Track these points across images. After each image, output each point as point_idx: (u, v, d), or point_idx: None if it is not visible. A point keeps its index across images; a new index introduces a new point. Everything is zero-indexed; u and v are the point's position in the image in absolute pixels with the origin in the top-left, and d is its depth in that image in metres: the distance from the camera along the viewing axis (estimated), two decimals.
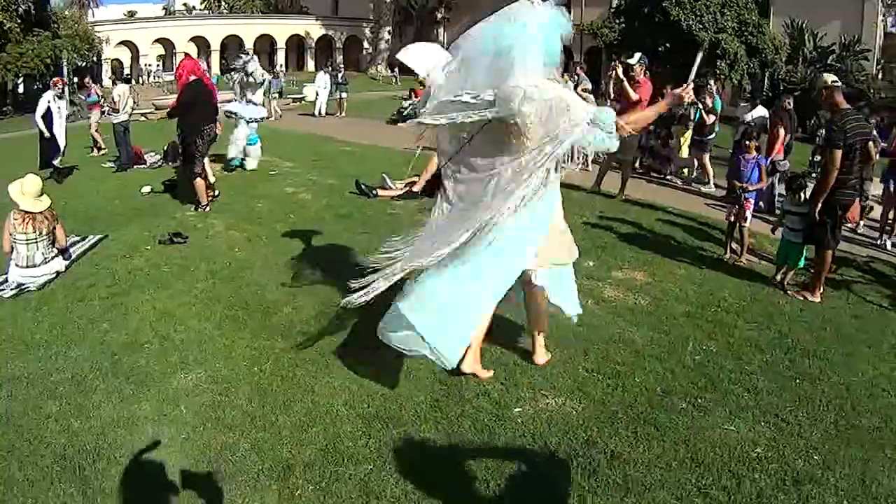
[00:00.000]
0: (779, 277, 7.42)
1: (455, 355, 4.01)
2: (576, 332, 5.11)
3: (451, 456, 3.60)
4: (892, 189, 10.02)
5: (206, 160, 8.97)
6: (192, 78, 8.82)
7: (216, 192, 8.74)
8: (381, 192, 9.48)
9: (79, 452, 3.44)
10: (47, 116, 11.86)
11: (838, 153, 6.72)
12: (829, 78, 7.39)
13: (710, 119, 11.77)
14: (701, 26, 28.91)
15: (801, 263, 7.50)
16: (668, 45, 28.17)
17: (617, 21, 34.57)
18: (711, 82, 14.25)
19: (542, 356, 4.79)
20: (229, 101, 11.79)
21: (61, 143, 11.85)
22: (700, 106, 11.80)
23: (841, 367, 5.37)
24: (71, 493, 3.19)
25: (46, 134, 11.75)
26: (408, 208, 8.84)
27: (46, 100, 12.05)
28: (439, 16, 58.60)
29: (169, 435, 3.50)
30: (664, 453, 3.87)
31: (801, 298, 6.89)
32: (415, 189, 9.51)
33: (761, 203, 9.33)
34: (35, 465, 3.40)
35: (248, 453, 3.38)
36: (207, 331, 4.73)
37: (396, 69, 48.97)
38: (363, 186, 9.52)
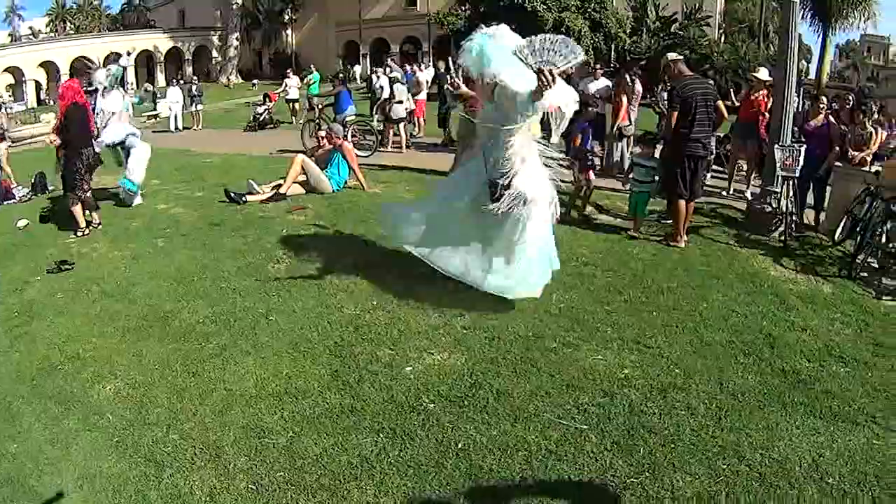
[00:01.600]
0: (633, 230, 8.16)
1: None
2: (451, 296, 5.52)
3: (356, 414, 3.92)
4: (744, 144, 10.98)
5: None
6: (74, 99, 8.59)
7: (98, 221, 8.60)
8: (249, 198, 9.54)
9: (23, 473, 3.53)
10: None
11: (675, 113, 7.49)
12: (671, 55, 8.30)
13: None
14: (545, 6, 29.10)
15: (646, 212, 8.27)
16: (514, 27, 28.66)
17: (462, 8, 34.27)
18: None
19: None
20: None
21: None
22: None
23: (693, 297, 6.02)
24: None
25: None
26: (278, 209, 9.00)
27: None
28: (286, 17, 57.54)
29: (102, 441, 3.65)
30: (543, 384, 4.33)
31: (668, 246, 7.59)
32: (281, 191, 9.70)
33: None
34: None
35: (179, 443, 3.59)
36: (114, 345, 4.83)
37: (255, 80, 47.95)
38: (232, 194, 9.51)
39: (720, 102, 7.86)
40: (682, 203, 7.61)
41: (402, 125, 15.69)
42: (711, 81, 8.80)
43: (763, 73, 10.51)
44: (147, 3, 70.54)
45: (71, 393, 4.16)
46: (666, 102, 9.14)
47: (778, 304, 6.04)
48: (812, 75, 35.93)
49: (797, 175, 8.38)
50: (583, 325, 5.30)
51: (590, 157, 8.93)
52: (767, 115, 9.68)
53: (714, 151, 12.19)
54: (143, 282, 6.19)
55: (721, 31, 39.78)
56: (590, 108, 9.55)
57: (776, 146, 8.49)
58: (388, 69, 19.17)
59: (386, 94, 16.34)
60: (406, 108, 16.54)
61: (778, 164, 8.42)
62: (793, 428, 4.02)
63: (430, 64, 29.40)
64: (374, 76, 16.94)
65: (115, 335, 5.02)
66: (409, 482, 3.30)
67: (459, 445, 3.63)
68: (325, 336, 4.98)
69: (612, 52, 31.49)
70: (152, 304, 5.62)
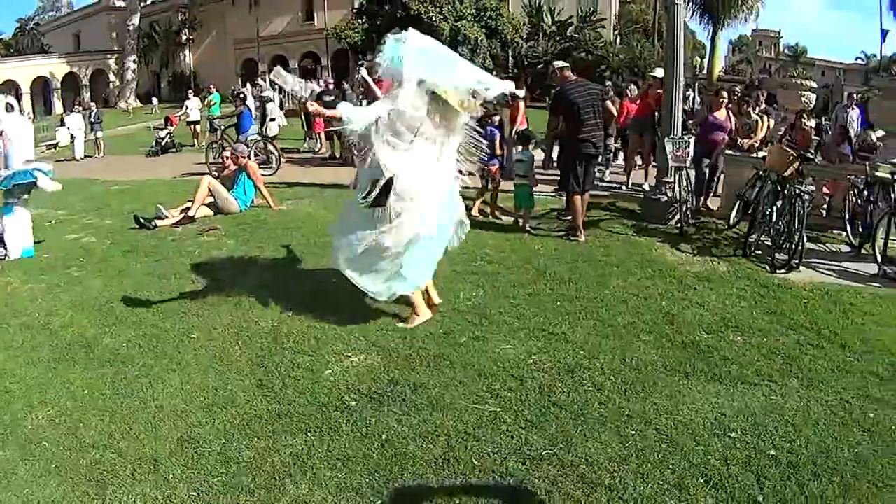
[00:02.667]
0: (520, 223, 8.56)
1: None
2: (363, 301, 5.72)
3: (284, 418, 4.09)
4: (641, 137, 11.51)
5: None
6: None
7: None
8: (159, 223, 9.51)
9: None
10: None
11: (553, 117, 8.01)
12: (557, 63, 8.83)
13: None
14: (441, 16, 29.37)
15: (532, 203, 8.70)
16: None
17: (360, 21, 34.39)
18: None
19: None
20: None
21: None
22: None
23: (594, 286, 6.39)
24: None
25: None
26: (189, 231, 9.07)
27: None
28: (184, 37, 56.05)
29: (41, 467, 3.68)
30: (456, 375, 4.58)
31: (569, 240, 8.00)
32: (190, 214, 9.69)
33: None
34: None
35: (117, 460, 3.67)
36: (41, 375, 4.82)
37: (154, 99, 46.47)
38: (142, 220, 9.45)
39: (608, 103, 8.40)
40: (578, 198, 8.06)
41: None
42: (599, 85, 9.31)
43: (659, 72, 11.01)
44: (41, 28, 67.72)
45: (4, 425, 4.15)
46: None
47: (676, 285, 6.53)
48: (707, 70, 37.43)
49: (688, 165, 8.90)
50: (490, 320, 5.59)
51: (496, 158, 9.34)
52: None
53: (612, 149, 12.88)
54: (62, 312, 6.14)
55: (616, 32, 40.93)
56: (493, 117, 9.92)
57: (667, 139, 8.95)
58: (258, 88, 19.15)
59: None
60: (278, 125, 16.71)
61: (669, 156, 8.86)
62: (695, 393, 4.35)
63: (326, 79, 29.35)
64: (240, 96, 16.80)
65: (41, 365, 5.00)
66: (340, 474, 3.49)
67: (383, 437, 3.84)
68: (246, 349, 5.12)
69: (510, 58, 32.06)
70: (74, 333, 5.61)
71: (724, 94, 10.66)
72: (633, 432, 3.89)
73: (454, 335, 5.28)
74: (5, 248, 8.26)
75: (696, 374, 4.64)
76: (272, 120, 16.33)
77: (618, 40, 38.94)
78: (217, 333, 5.45)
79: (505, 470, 3.55)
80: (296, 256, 7.60)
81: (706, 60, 39.20)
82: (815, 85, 10.38)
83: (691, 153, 8.96)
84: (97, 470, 3.62)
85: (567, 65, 8.70)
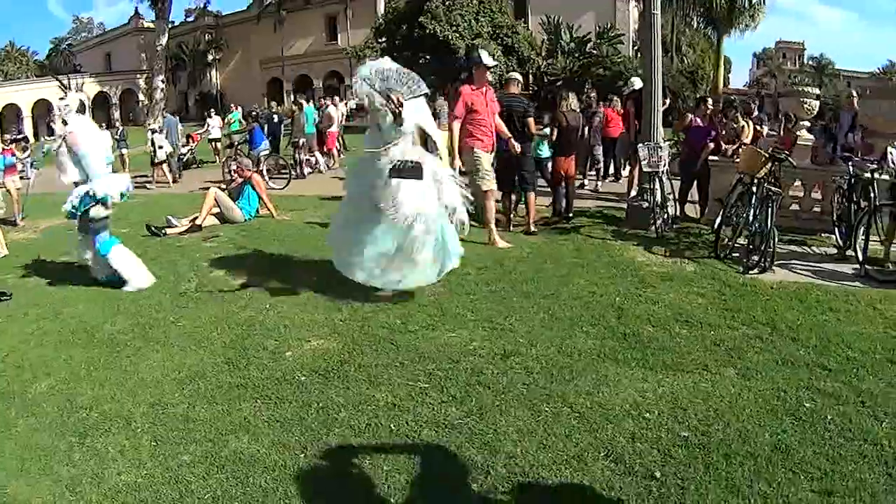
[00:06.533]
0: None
1: None
2: (339, 298, 6.37)
3: (242, 388, 4.70)
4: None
5: None
6: None
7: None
8: (169, 231, 10.26)
9: None
10: None
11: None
12: (513, 75, 9.38)
13: None
14: (458, 35, 29.36)
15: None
16: (428, 57, 28.50)
17: (378, 41, 34.26)
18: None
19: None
20: None
21: None
22: None
23: (555, 284, 6.71)
24: None
25: None
26: (193, 238, 9.82)
27: None
28: (211, 58, 56.95)
29: (37, 423, 4.33)
30: (398, 357, 5.08)
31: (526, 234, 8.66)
32: (198, 223, 10.43)
33: None
34: None
35: (99, 419, 4.31)
36: (47, 354, 5.49)
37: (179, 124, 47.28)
38: (153, 228, 10.20)
39: (529, 119, 8.97)
40: (531, 196, 9.12)
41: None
42: (527, 102, 9.68)
43: (638, 83, 11.48)
44: (73, 49, 69.36)
45: (12, 391, 4.81)
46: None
47: (637, 284, 6.70)
48: (733, 84, 37.03)
49: (661, 171, 9.06)
50: (445, 312, 6.01)
51: None
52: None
53: (599, 159, 13.45)
54: (71, 303, 6.83)
55: (636, 48, 40.99)
56: None
57: (639, 145, 9.18)
58: (268, 109, 19.87)
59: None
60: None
61: (643, 162, 9.07)
62: (621, 378, 4.55)
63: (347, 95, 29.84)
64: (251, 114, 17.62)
65: (49, 346, 5.67)
66: (275, 433, 4.07)
67: (320, 405, 4.39)
68: (223, 334, 5.76)
69: (530, 76, 32.11)
70: (80, 321, 6.28)
71: (709, 100, 10.94)
72: (548, 409, 4.14)
73: (408, 324, 5.75)
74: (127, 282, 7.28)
75: (627, 361, 4.82)
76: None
77: (638, 55, 39.04)
78: (201, 322, 6.11)
79: (418, 436, 3.93)
80: (286, 259, 8.31)
81: (732, 74, 39.01)
82: (818, 92, 10.47)
83: (665, 158, 9.15)
84: (81, 425, 4.27)
85: (518, 79, 9.40)
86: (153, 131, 19.47)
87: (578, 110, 10.90)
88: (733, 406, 4.16)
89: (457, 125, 8.16)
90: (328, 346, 5.40)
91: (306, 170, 17.26)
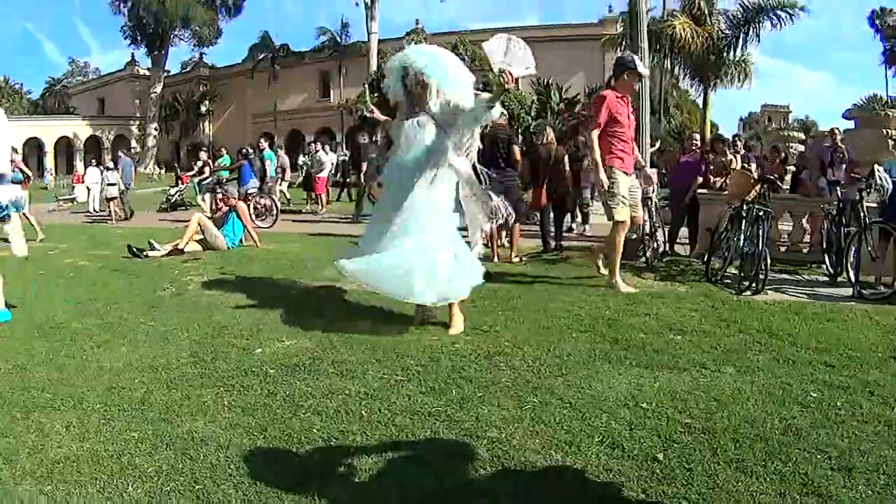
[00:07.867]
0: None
1: None
2: (314, 297, 6.27)
3: (205, 378, 4.43)
4: None
5: None
6: None
7: None
8: (150, 253, 10.03)
9: None
10: None
11: None
12: (501, 112, 9.30)
13: None
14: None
15: None
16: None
17: (372, 95, 34.94)
18: None
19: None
20: None
21: None
22: None
23: (544, 300, 6.63)
24: None
25: None
26: (173, 260, 9.67)
27: None
28: (204, 109, 57.36)
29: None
30: (375, 354, 4.83)
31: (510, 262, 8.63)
32: (180, 247, 10.22)
33: None
34: None
35: (50, 398, 4.03)
36: (10, 345, 5.27)
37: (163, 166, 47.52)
38: (134, 250, 9.97)
39: (514, 147, 9.07)
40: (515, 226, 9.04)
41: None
42: (509, 131, 9.94)
43: None
44: (68, 90, 69.78)
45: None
46: None
47: (627, 301, 6.52)
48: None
49: (650, 198, 8.99)
50: (431, 322, 5.71)
51: None
52: None
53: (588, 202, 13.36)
54: (42, 306, 6.63)
55: None
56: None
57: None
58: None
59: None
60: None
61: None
62: (615, 375, 4.35)
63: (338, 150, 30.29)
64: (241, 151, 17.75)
65: (15, 339, 5.45)
66: (234, 416, 3.79)
67: (286, 393, 4.11)
68: (193, 333, 5.50)
69: (518, 136, 32.55)
70: (47, 318, 6.09)
71: (696, 136, 11.33)
72: (535, 400, 3.93)
73: (390, 331, 5.51)
74: None
75: (621, 360, 4.63)
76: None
77: None
78: (171, 323, 5.86)
79: (391, 422, 3.70)
80: (267, 276, 8.14)
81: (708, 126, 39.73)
82: (802, 136, 10.61)
83: (654, 187, 9.16)
84: (30, 403, 3.99)
85: (504, 113, 9.03)
86: (107, 168, 20.32)
87: (554, 142, 10.81)
88: (736, 397, 3.98)
89: (596, 134, 7.11)
90: (302, 345, 5.15)
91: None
